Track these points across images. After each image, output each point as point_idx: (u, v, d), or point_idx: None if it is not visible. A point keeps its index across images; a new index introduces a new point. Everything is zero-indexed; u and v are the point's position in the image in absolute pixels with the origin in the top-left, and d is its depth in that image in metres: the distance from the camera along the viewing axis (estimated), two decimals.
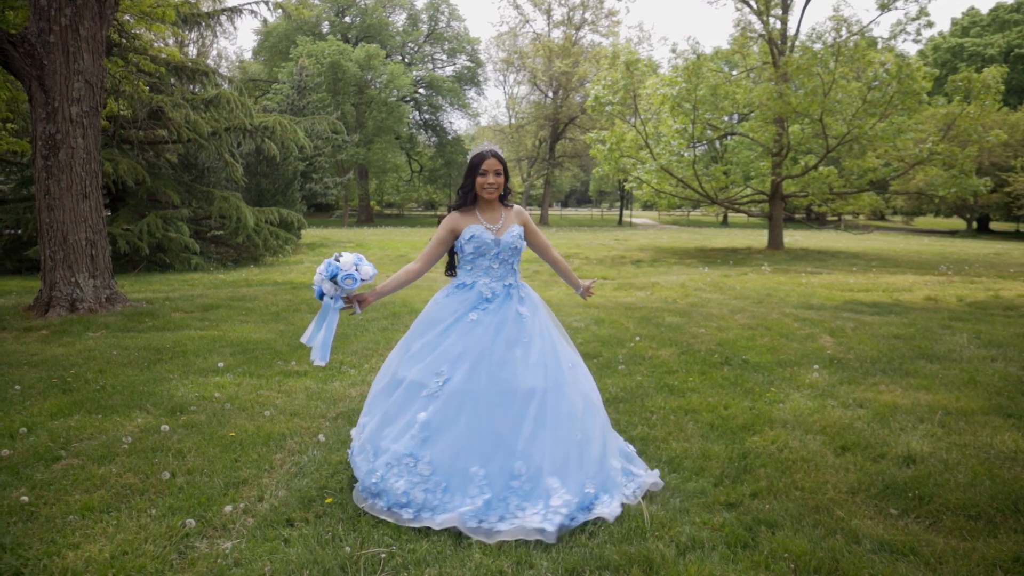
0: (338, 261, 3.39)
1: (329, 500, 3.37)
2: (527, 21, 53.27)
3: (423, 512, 3.15)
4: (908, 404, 4.96)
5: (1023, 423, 4.55)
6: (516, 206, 3.73)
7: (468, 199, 3.59)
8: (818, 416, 4.69)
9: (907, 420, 4.61)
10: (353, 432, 3.86)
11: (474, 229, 3.54)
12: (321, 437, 4.23)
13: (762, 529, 3.10)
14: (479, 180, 3.53)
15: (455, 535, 3.04)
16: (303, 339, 3.66)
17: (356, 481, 3.47)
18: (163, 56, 15.01)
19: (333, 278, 3.36)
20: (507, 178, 3.60)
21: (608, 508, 3.21)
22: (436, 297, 3.67)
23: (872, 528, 3.10)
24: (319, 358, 3.56)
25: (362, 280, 3.38)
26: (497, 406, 3.26)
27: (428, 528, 3.08)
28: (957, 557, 2.86)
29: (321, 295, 3.48)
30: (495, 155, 3.54)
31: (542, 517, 3.07)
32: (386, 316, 8.66)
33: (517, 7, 57.70)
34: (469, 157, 3.62)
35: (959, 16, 50.26)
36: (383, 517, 3.18)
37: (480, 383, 3.29)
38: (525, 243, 3.70)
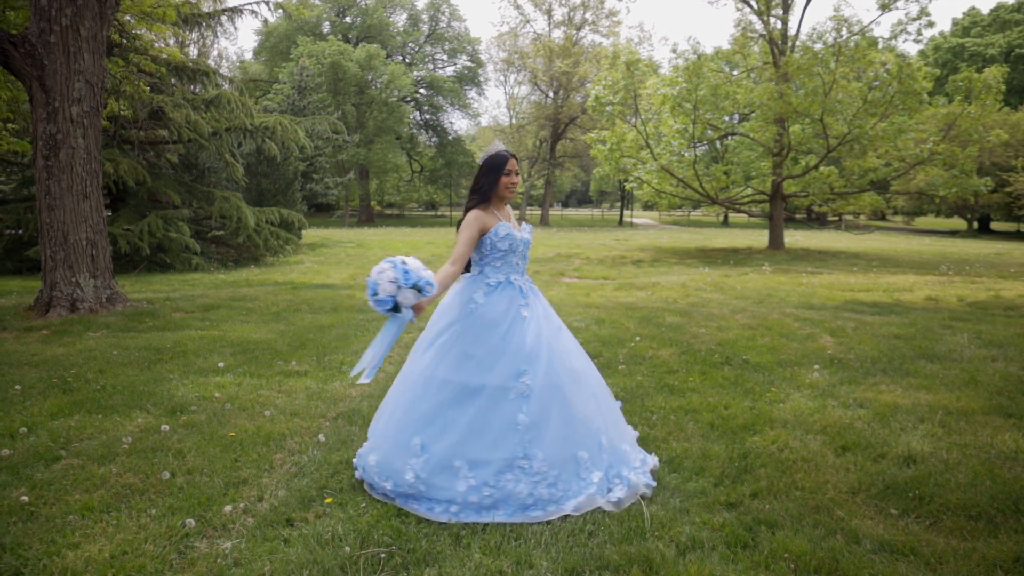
0: (407, 265, 3.16)
1: (329, 500, 3.37)
2: (528, 21, 53.25)
3: (550, 506, 3.26)
4: (908, 404, 4.96)
5: (1023, 423, 4.55)
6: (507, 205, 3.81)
7: (487, 198, 3.60)
8: (818, 416, 4.69)
9: (907, 420, 4.61)
10: (383, 457, 3.43)
11: (505, 227, 3.58)
12: (321, 437, 4.23)
13: (762, 529, 3.10)
14: (504, 180, 3.57)
15: (454, 535, 3.04)
16: (357, 367, 3.45)
17: (424, 503, 3.29)
18: (164, 56, 15.02)
19: (415, 286, 3.15)
20: None
21: (650, 458, 3.80)
22: (472, 298, 3.55)
23: (872, 528, 3.10)
24: (366, 376, 3.45)
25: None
26: (574, 392, 3.45)
27: (563, 517, 3.22)
28: (957, 557, 2.85)
29: (392, 307, 3.20)
30: (514, 156, 3.63)
31: (637, 474, 3.50)
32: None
33: (518, 7, 57.72)
34: (488, 156, 3.61)
35: (960, 16, 50.25)
36: (506, 522, 3.18)
37: (559, 374, 3.44)
38: None
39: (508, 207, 3.75)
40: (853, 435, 4.29)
